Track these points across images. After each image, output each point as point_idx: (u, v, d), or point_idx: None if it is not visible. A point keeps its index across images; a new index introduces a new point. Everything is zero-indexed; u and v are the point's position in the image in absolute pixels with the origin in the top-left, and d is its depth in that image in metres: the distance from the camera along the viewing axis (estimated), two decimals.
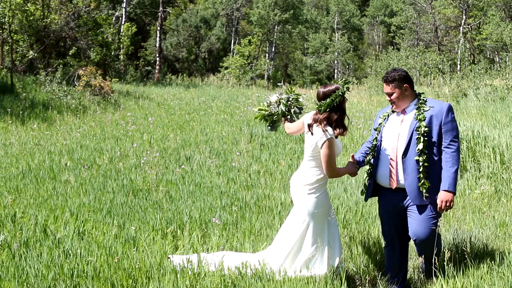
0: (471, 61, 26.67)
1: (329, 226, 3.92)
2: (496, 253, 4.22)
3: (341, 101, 3.80)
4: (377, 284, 4.00)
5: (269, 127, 4.47)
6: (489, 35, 25.75)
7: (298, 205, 3.91)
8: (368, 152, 4.14)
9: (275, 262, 3.91)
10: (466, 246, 4.21)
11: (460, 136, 3.93)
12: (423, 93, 4.02)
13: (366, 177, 4.14)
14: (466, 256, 4.00)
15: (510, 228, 5.05)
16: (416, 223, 3.83)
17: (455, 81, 16.88)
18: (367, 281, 4.07)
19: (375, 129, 4.14)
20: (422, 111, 3.82)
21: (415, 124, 3.80)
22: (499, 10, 26.32)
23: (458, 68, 26.68)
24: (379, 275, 4.17)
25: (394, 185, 3.90)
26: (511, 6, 26.21)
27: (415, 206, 3.82)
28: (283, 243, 3.93)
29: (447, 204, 3.71)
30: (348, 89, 3.79)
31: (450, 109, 3.81)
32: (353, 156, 4.11)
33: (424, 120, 3.77)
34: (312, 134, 3.82)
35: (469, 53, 28.99)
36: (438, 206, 3.73)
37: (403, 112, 3.94)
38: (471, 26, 29.52)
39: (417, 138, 3.76)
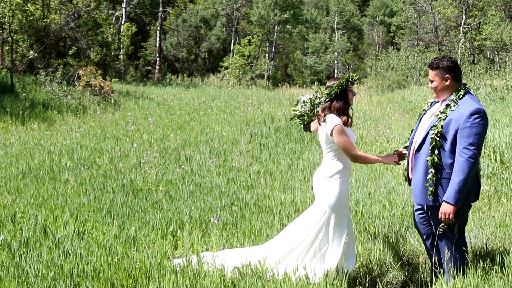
0: (471, 61, 26.65)
1: (348, 224, 3.90)
2: (496, 253, 4.22)
3: (343, 91, 3.87)
4: (377, 284, 4.00)
5: (304, 128, 4.47)
6: (489, 35, 25.73)
7: (319, 197, 3.89)
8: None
9: (288, 258, 3.86)
10: (466, 246, 4.21)
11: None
12: (468, 88, 3.71)
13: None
14: (466, 256, 4.00)
15: (510, 228, 5.05)
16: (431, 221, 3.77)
17: None
18: (367, 281, 4.06)
19: (420, 113, 4.02)
20: (446, 110, 3.58)
21: (434, 122, 3.63)
22: (499, 10, 26.30)
23: None
24: (379, 275, 4.17)
25: (411, 176, 3.81)
26: (511, 6, 26.20)
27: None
28: (298, 238, 3.87)
29: (446, 217, 3.52)
30: (348, 81, 3.86)
31: (473, 114, 3.46)
32: (400, 151, 4.04)
33: (444, 120, 3.56)
34: (320, 124, 3.93)
35: (469, 53, 28.97)
36: (439, 216, 3.58)
37: (441, 104, 3.72)
38: (471, 26, 29.51)
39: (431, 137, 3.59)
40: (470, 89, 3.74)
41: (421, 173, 3.67)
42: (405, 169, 4.00)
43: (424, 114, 3.91)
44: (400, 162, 4.04)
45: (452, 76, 3.63)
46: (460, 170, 3.45)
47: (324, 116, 3.88)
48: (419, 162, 3.69)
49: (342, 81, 3.87)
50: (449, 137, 3.54)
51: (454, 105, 3.57)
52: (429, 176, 3.60)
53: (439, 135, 3.55)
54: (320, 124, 3.94)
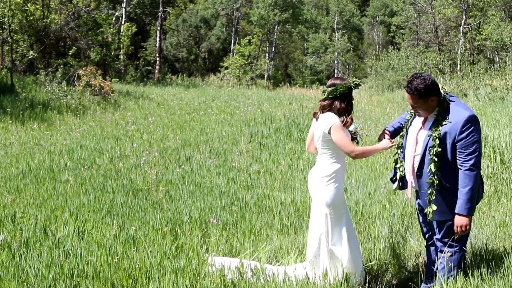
0: (471, 61, 26.66)
1: (348, 223, 3.89)
2: (496, 253, 4.22)
3: (347, 93, 3.82)
4: (377, 284, 4.00)
5: None
6: (489, 35, 25.73)
7: (317, 198, 3.87)
8: (397, 131, 3.96)
9: (317, 265, 3.88)
10: (466, 246, 4.21)
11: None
12: (451, 96, 3.59)
13: (399, 166, 3.89)
14: (467, 256, 4.00)
15: (510, 228, 5.05)
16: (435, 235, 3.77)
17: (455, 81, 16.89)
18: (367, 281, 4.06)
19: (404, 125, 3.92)
20: (438, 127, 3.50)
21: (429, 142, 3.54)
22: (499, 10, 26.31)
23: (458, 68, 26.68)
24: (379, 275, 4.17)
25: (409, 196, 3.80)
26: (511, 6, 26.20)
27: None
28: (310, 243, 3.90)
29: (462, 229, 3.48)
30: (356, 86, 3.82)
31: (467, 123, 3.39)
32: (386, 132, 3.96)
33: (437, 138, 3.48)
34: (316, 120, 3.87)
35: (469, 53, 28.98)
36: (454, 230, 3.54)
37: (425, 119, 3.66)
38: (471, 26, 29.50)
39: (429, 158, 3.53)
40: (448, 93, 3.64)
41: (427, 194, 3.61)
42: (401, 176, 3.89)
43: (410, 126, 3.82)
44: (392, 141, 3.92)
45: (437, 94, 3.53)
46: (466, 180, 3.41)
47: (322, 113, 3.85)
48: (423, 184, 3.65)
49: (349, 85, 3.81)
50: (448, 152, 3.48)
51: (444, 120, 3.49)
52: (429, 197, 3.57)
53: (438, 154, 3.49)
54: (316, 120, 3.90)
